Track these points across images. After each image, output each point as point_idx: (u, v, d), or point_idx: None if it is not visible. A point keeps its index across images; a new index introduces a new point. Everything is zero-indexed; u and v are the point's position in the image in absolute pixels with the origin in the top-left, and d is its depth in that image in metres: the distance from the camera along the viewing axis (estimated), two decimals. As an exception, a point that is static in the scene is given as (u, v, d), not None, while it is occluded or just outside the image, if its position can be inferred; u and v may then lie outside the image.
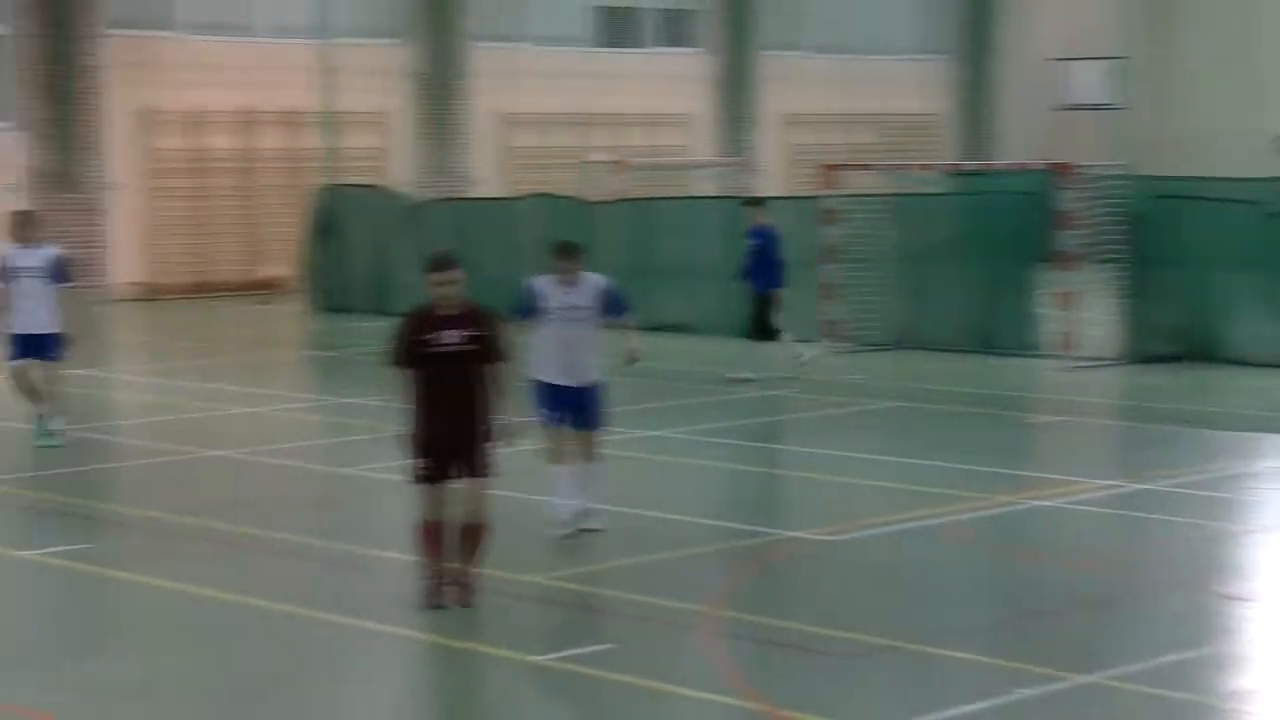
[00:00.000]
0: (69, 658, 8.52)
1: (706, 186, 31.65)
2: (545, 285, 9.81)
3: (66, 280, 13.19)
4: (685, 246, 22.84)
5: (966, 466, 13.52)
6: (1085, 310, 20.37)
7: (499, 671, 8.06)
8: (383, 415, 10.26)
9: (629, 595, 9.10)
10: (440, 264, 8.09)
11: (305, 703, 7.50)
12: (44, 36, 26.83)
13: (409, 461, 8.29)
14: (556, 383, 9.55)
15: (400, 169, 30.66)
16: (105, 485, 14.53)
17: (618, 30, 35.00)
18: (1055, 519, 11.59)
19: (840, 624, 8.34)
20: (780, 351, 17.87)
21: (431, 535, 8.10)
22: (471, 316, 8.08)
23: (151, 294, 28.33)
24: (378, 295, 24.79)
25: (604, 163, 30.67)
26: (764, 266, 18.20)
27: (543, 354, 9.60)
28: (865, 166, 24.62)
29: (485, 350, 8.06)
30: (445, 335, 7.92)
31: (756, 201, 20.25)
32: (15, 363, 13.62)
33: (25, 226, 13.24)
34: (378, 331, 16.33)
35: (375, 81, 30.23)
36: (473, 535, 8.12)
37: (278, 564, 10.64)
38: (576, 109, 32.72)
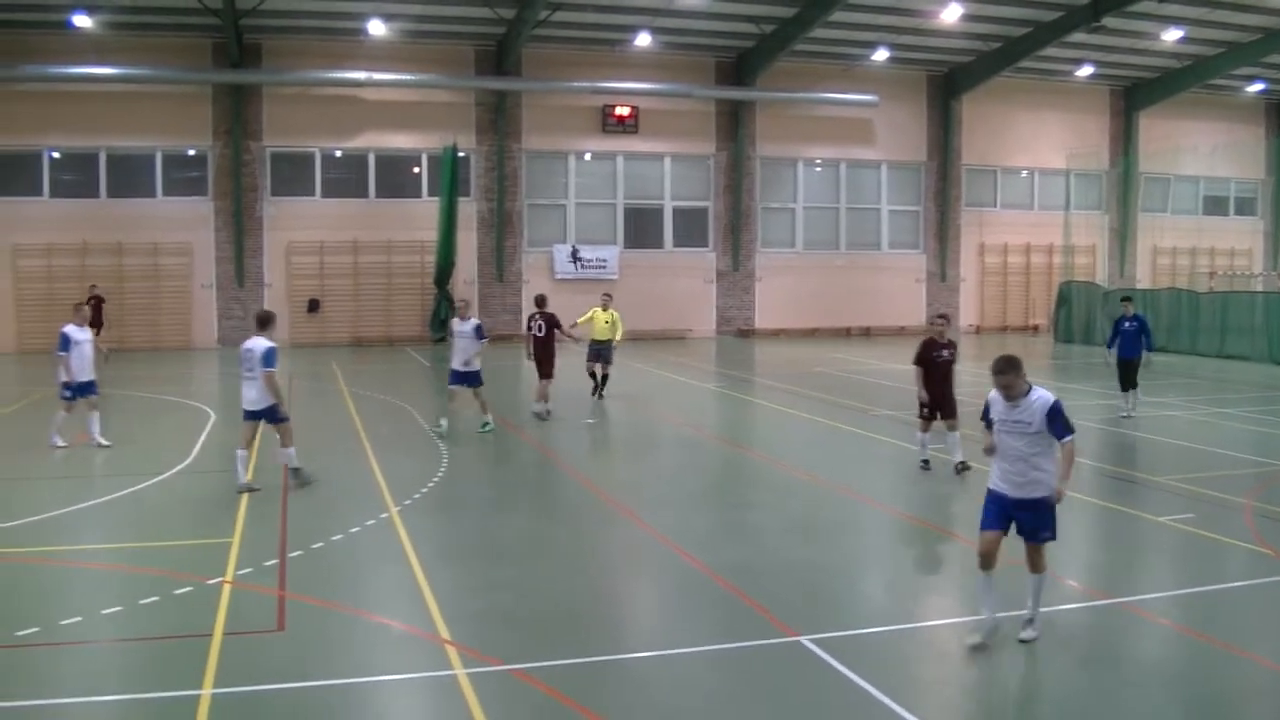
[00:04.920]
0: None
1: (1256, 285, 41.60)
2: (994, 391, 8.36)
3: None
4: (1241, 316, 30.73)
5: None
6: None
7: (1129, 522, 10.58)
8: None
9: (1204, 490, 11.44)
10: None
11: (849, 463, 13.33)
12: (938, 210, 41.42)
13: None
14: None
15: (1100, 272, 42.99)
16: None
17: (1212, 208, 46.30)
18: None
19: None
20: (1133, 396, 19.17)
21: None
22: None
23: (980, 328, 42.35)
24: (1085, 334, 36.08)
25: (1205, 272, 43.24)
26: (1135, 340, 19.30)
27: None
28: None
29: None
30: None
31: (1128, 298, 22.30)
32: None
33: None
34: (1082, 353, 28.67)
35: (1089, 229, 42.57)
36: None
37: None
38: (1191, 245, 44.63)
